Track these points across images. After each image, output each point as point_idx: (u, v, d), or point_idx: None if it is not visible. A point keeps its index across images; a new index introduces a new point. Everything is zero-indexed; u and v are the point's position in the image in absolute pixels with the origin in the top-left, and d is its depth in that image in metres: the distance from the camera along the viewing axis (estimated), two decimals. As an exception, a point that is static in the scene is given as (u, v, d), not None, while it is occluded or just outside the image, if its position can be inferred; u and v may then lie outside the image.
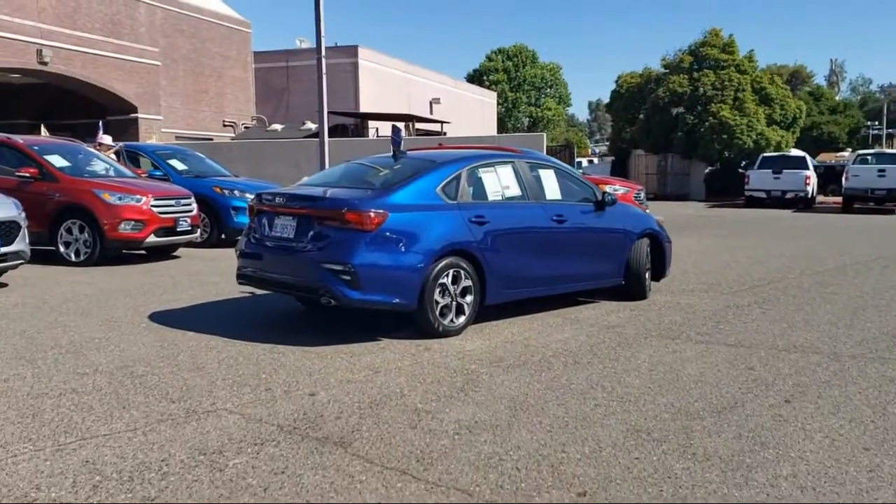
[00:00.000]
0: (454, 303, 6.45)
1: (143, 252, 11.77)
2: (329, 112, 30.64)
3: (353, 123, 35.95)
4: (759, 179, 27.27)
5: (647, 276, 8.22)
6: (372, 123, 36.75)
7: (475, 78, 66.92)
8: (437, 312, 6.32)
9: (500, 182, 7.01)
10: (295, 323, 7.09)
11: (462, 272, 6.46)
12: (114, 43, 27.17)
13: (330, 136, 26.54)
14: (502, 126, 64.54)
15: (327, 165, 17.22)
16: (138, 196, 10.95)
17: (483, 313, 6.80)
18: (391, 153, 7.21)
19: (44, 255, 10.97)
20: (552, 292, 7.43)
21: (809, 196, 27.28)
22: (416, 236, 6.20)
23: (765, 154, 29.22)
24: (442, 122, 38.17)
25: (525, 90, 70.49)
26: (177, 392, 4.88)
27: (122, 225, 10.69)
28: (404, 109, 38.92)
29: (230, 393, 4.88)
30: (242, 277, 6.83)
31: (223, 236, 13.52)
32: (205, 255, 12.17)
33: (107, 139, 14.26)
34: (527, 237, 7.04)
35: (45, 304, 7.84)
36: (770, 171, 27.19)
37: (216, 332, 6.54)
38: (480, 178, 6.90)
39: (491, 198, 6.91)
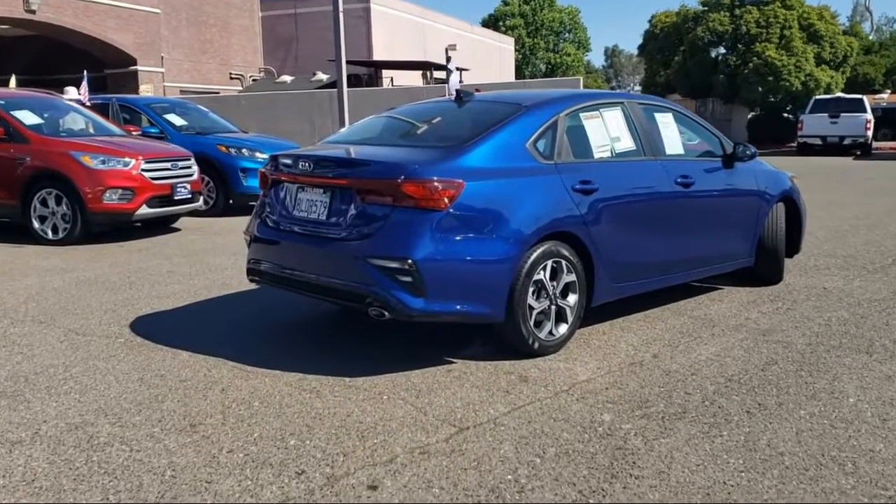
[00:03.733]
0: (553, 307, 4.55)
1: (137, 224, 9.88)
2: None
3: (366, 73, 33.74)
4: (813, 124, 25.00)
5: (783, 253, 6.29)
6: (386, 73, 34.63)
7: (490, 23, 63.98)
8: (532, 322, 4.43)
9: (608, 131, 5.04)
10: (328, 333, 5.21)
11: (563, 263, 4.54)
12: (108, -11, 24.95)
13: (343, 86, 24.47)
14: (520, 73, 61.90)
15: (346, 118, 15.23)
16: (126, 159, 9.02)
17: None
18: (452, 96, 5.23)
19: (19, 232, 9.16)
20: (669, 283, 5.49)
21: (868, 142, 25.02)
22: (502, 215, 4.28)
23: (817, 97, 26.88)
24: (461, 70, 35.91)
25: (543, 35, 67.49)
26: (155, 484, 3.03)
27: (107, 194, 8.78)
28: (419, 57, 36.66)
29: (240, 484, 3.02)
30: (255, 274, 4.93)
31: (231, 202, 11.63)
32: (209, 227, 10.28)
33: (73, 92, 12.26)
34: (645, 208, 5.10)
35: (-1, 305, 6.00)
36: (826, 115, 24.90)
37: (220, 350, 4.68)
38: (583, 127, 4.93)
39: (597, 154, 4.95)
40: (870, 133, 24.87)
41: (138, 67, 26.46)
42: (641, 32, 35.87)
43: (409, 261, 4.01)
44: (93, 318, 5.56)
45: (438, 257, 4.06)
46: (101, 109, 11.76)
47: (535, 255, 4.35)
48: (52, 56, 27.01)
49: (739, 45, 30.30)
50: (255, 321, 5.44)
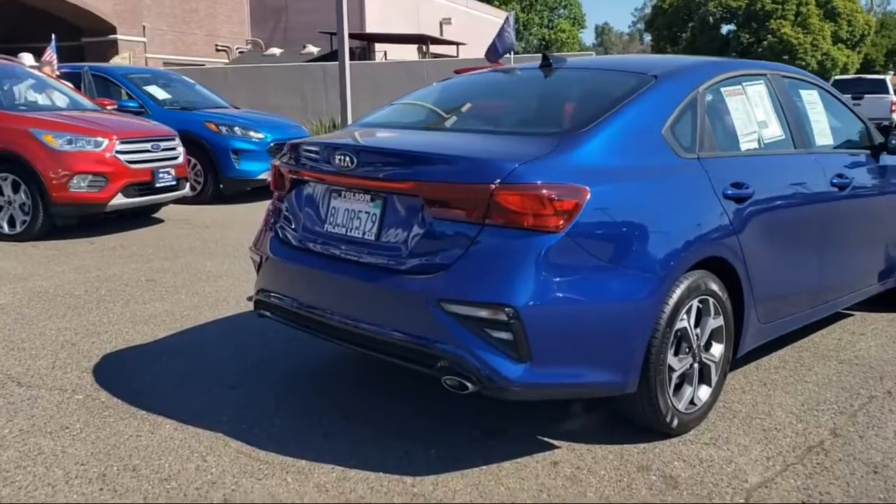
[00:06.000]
0: (696, 365, 3.20)
1: (113, 214, 8.39)
2: (332, 34, 26.90)
3: (358, 47, 32.14)
4: (835, 106, 23.64)
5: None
6: (379, 46, 33.12)
7: (485, -3, 62.18)
8: (672, 390, 3.08)
9: (752, 113, 3.67)
10: (362, 388, 3.84)
11: (711, 302, 3.19)
12: (84, -50, 23.15)
13: (333, 60, 22.89)
14: (513, 50, 60.22)
15: (349, 93, 13.73)
16: (98, 138, 7.54)
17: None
18: (539, 63, 3.81)
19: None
20: (816, 317, 4.14)
21: (892, 124, 23.76)
22: (638, 236, 2.91)
23: (837, 77, 25.48)
24: (458, 44, 34.57)
25: (537, 10, 65.84)
26: None
27: (75, 181, 7.31)
28: (414, 30, 35.09)
29: None
30: (265, 308, 3.52)
31: (221, 187, 10.16)
32: (196, 219, 8.83)
33: (27, 58, 10.66)
34: (800, 220, 3.75)
35: (-77, 333, 4.57)
36: (849, 96, 23.52)
37: (218, 419, 3.31)
38: (726, 107, 3.55)
39: (744, 145, 3.58)
40: (894, 115, 23.62)
41: (118, 36, 24.73)
42: (632, 11, 34.40)
43: (508, 309, 2.64)
44: (44, 355, 4.16)
45: (550, 303, 2.69)
46: (73, 80, 10.22)
47: (678, 293, 2.99)
48: (25, 23, 25.21)
49: (753, 23, 28.89)
50: (262, 366, 4.04)
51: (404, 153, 3.03)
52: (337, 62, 15.60)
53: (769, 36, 28.26)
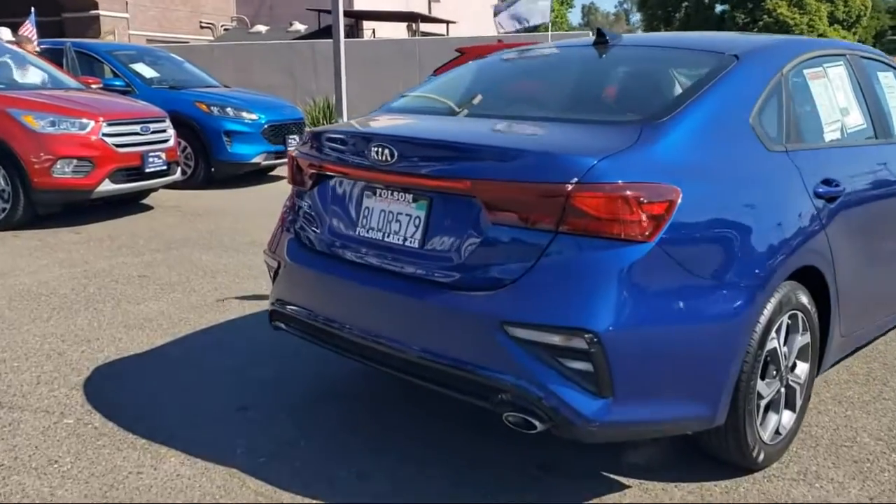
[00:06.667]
0: (783, 389, 2.80)
1: (99, 201, 7.86)
2: (320, 11, 26.26)
3: (347, 24, 31.44)
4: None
5: None
6: (367, 24, 32.50)
7: (473, -25, 61.34)
8: (759, 420, 2.67)
9: (834, 99, 3.25)
10: (393, 408, 3.41)
11: (800, 317, 2.78)
12: (63, -79, 22.33)
13: (321, 37, 22.29)
14: (502, 29, 59.56)
15: (343, 72, 13.19)
16: (83, 119, 7.01)
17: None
18: (588, 39, 3.36)
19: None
20: (889, 326, 3.75)
21: None
22: (731, 243, 2.48)
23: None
24: (448, 22, 33.99)
25: (526, -11, 65.12)
26: None
27: (58, 165, 6.80)
28: (402, 8, 34.45)
29: None
30: (282, 319, 3.06)
31: (212, 171, 9.64)
32: (188, 205, 8.32)
33: (5, 33, 10.03)
34: (884, 219, 3.34)
35: None
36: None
37: (231, 449, 2.88)
38: (809, 92, 3.12)
39: (828, 135, 3.16)
40: None
41: (100, 12, 23.97)
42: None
43: (588, 334, 2.21)
44: (28, 367, 3.69)
45: (637, 327, 2.26)
46: (54, 56, 9.63)
47: (770, 309, 2.57)
48: (3, -3, 24.40)
49: (748, 2, 28.48)
50: (275, 382, 3.60)
51: (457, 145, 2.55)
52: (326, 40, 15.03)
53: (765, 16, 27.88)
